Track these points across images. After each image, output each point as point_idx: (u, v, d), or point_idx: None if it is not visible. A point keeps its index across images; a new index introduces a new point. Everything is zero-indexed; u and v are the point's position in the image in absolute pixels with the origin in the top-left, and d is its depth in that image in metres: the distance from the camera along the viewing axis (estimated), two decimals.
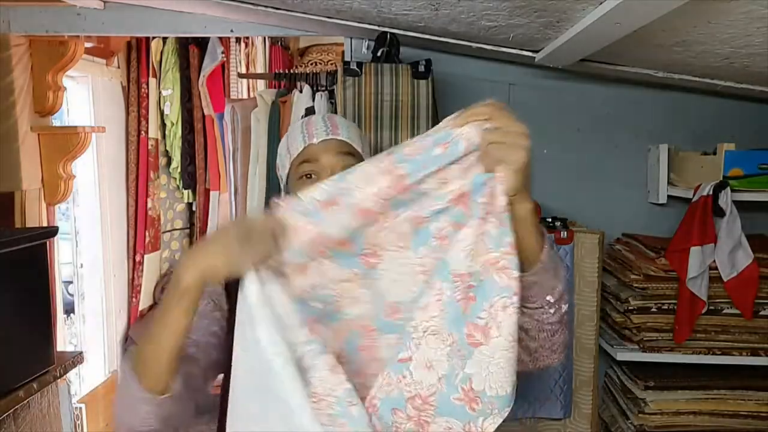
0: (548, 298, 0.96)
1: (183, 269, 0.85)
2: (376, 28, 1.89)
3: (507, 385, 0.86)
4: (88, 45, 2.64)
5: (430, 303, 0.89)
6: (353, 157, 1.15)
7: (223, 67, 3.35)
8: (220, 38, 3.25)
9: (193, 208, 3.46)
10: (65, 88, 2.55)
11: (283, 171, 1.21)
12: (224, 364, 1.00)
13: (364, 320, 0.97)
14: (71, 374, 2.36)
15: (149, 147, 3.26)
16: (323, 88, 2.12)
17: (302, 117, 2.00)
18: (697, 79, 1.95)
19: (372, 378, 0.94)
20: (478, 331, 0.86)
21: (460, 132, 0.86)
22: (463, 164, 0.89)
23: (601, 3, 1.26)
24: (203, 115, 3.29)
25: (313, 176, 1.13)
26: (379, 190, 0.88)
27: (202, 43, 3.29)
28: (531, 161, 0.87)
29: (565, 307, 0.99)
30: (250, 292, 0.84)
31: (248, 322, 0.85)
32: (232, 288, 0.99)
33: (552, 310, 0.96)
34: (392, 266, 0.95)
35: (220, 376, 1.06)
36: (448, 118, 0.88)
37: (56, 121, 2.67)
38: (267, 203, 2.12)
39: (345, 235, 0.91)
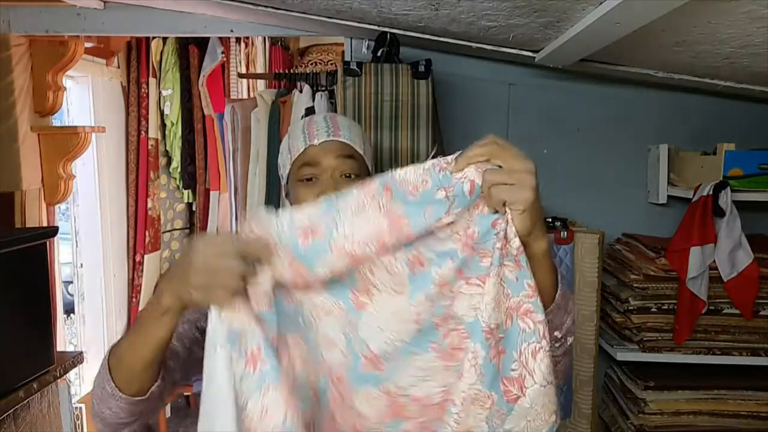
0: (556, 333, 0.92)
1: (164, 290, 0.82)
2: (376, 28, 1.89)
3: (543, 427, 0.84)
4: (88, 45, 2.65)
5: (465, 370, 0.83)
6: (354, 160, 1.14)
7: (223, 67, 3.35)
8: (220, 38, 3.25)
9: (193, 208, 3.46)
10: (65, 88, 2.55)
11: (284, 170, 1.20)
12: None
13: (337, 370, 0.90)
14: (71, 374, 2.37)
15: (149, 147, 3.26)
16: (323, 88, 2.12)
17: (302, 117, 2.00)
18: (697, 79, 1.95)
19: None
20: (513, 385, 0.83)
21: (462, 175, 0.81)
22: (471, 208, 0.83)
23: (601, 3, 1.26)
24: (203, 115, 3.29)
25: (313, 179, 1.12)
26: (373, 236, 0.81)
27: (202, 43, 3.29)
28: (539, 200, 0.82)
29: (570, 339, 0.95)
30: (212, 325, 0.79)
31: (209, 345, 0.80)
32: None
33: (558, 345, 0.93)
34: (381, 312, 0.87)
35: None
36: (447, 159, 0.82)
37: (56, 121, 2.67)
38: (267, 203, 2.12)
39: (325, 275, 0.83)
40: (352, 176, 1.13)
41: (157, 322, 0.84)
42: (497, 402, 0.84)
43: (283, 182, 1.23)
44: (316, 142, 1.13)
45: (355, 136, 1.17)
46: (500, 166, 0.80)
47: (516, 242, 0.81)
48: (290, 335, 0.86)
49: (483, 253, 0.83)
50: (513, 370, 0.83)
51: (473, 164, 0.81)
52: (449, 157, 0.83)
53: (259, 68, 3.57)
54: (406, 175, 0.83)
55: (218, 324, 0.79)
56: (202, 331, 1.03)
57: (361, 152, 1.17)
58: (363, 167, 1.16)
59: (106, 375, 0.90)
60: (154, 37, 3.21)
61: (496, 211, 0.82)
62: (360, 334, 0.88)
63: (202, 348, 1.02)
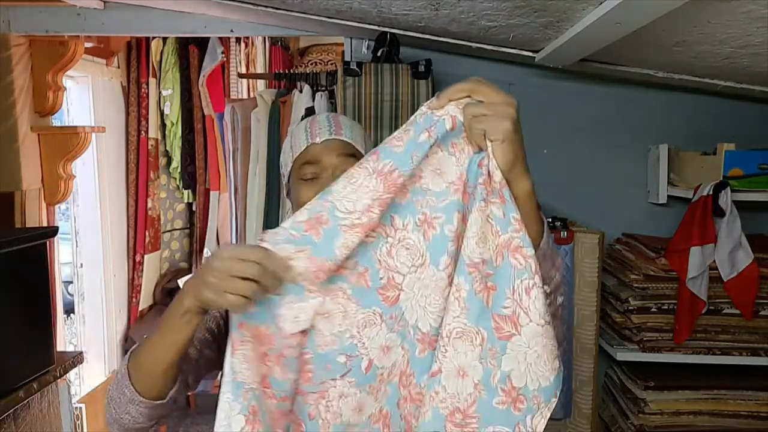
0: (544, 287, 0.91)
1: (185, 292, 0.84)
2: (376, 28, 1.89)
3: (549, 372, 0.80)
4: (88, 45, 2.65)
5: (449, 302, 0.82)
6: (356, 159, 1.13)
7: (223, 67, 3.35)
8: (220, 38, 3.26)
9: (193, 208, 3.47)
10: (65, 88, 2.56)
11: (285, 169, 1.20)
12: (217, 363, 0.99)
13: (401, 367, 0.89)
14: (71, 374, 2.37)
15: (149, 147, 3.27)
16: (323, 88, 2.12)
17: (302, 117, 2.00)
18: (697, 79, 1.95)
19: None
20: (506, 322, 0.80)
21: (442, 112, 0.81)
22: (455, 151, 0.84)
23: (601, 3, 1.26)
24: (203, 115, 3.29)
25: (314, 178, 1.12)
26: (372, 200, 0.81)
27: (202, 43, 3.29)
28: (520, 133, 0.83)
29: (560, 299, 0.93)
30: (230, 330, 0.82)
31: (229, 345, 0.81)
32: None
33: (547, 301, 0.94)
34: (415, 292, 0.87)
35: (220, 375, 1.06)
36: (426, 102, 0.83)
37: (56, 121, 2.67)
38: (267, 203, 2.12)
39: (343, 256, 0.83)
40: None
41: (178, 323, 0.85)
42: (488, 339, 0.81)
43: (285, 181, 1.23)
44: (318, 140, 1.14)
45: (357, 136, 1.18)
46: (479, 102, 0.81)
47: (498, 175, 0.81)
48: (333, 382, 0.88)
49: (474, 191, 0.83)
50: (505, 307, 0.80)
51: (454, 101, 0.82)
52: (431, 99, 0.83)
53: (259, 68, 3.57)
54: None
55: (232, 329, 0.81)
56: (210, 331, 1.03)
57: (363, 152, 1.17)
58: None
59: (125, 380, 0.91)
60: (154, 37, 3.21)
61: (481, 150, 0.82)
62: (409, 322, 0.88)
63: (211, 349, 1.02)
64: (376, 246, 0.87)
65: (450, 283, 0.85)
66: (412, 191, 0.85)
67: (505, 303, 0.80)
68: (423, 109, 0.83)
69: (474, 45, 1.89)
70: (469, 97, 0.82)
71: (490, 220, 0.81)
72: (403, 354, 0.89)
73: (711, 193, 1.85)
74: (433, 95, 1.91)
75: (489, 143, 0.80)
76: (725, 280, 1.89)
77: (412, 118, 0.84)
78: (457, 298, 0.82)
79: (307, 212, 0.83)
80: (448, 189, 0.85)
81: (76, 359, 2.12)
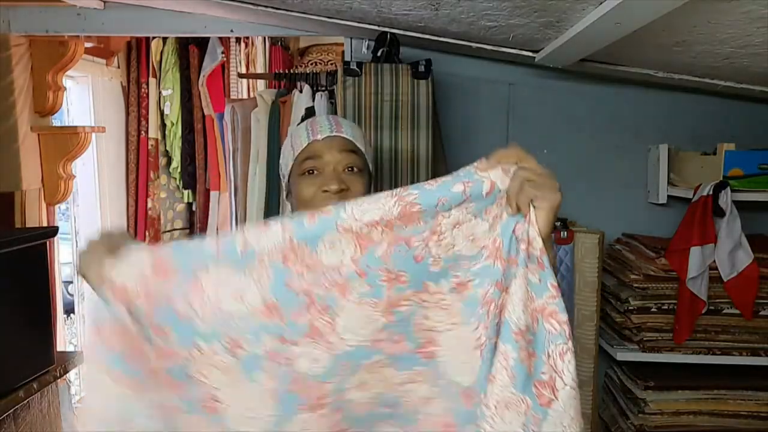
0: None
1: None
2: (376, 28, 1.89)
3: (578, 428, 0.84)
4: (88, 45, 2.64)
5: (497, 370, 0.84)
6: (356, 155, 1.16)
7: (223, 67, 3.35)
8: (220, 38, 3.25)
9: (193, 208, 3.46)
10: (65, 88, 2.55)
11: (285, 169, 1.22)
12: None
13: (445, 416, 0.92)
14: (71, 374, 2.36)
15: (149, 147, 3.26)
16: (323, 88, 2.12)
17: (302, 117, 2.00)
18: (697, 79, 1.95)
19: None
20: (546, 389, 0.82)
21: (486, 174, 0.84)
22: (488, 217, 0.85)
23: (601, 3, 1.26)
24: (203, 115, 3.28)
25: (315, 172, 1.14)
26: (381, 217, 0.82)
27: (202, 43, 3.29)
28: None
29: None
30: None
31: None
32: None
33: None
34: (453, 349, 0.89)
35: None
36: (475, 162, 0.85)
37: (56, 121, 2.67)
38: (267, 203, 2.12)
39: (322, 252, 0.84)
40: (355, 169, 1.15)
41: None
42: (532, 407, 0.82)
43: (284, 181, 1.24)
44: (319, 137, 1.16)
45: (357, 135, 1.20)
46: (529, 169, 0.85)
47: (538, 242, 0.83)
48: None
49: (513, 260, 0.84)
50: (543, 373, 0.82)
51: (501, 164, 0.84)
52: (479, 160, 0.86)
53: (259, 68, 3.56)
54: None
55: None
56: None
57: (362, 149, 1.20)
58: (365, 164, 1.19)
59: None
60: (154, 37, 3.21)
61: (516, 215, 0.85)
62: (451, 379, 0.91)
63: None
64: (413, 313, 0.88)
65: (481, 344, 0.87)
66: (444, 259, 0.86)
67: (543, 369, 0.83)
68: (469, 167, 0.85)
69: (474, 45, 1.89)
70: (515, 163, 0.85)
71: (527, 287, 0.83)
72: (445, 404, 0.92)
73: (711, 193, 1.85)
74: (433, 95, 1.93)
75: (533, 209, 0.84)
76: (725, 280, 1.89)
77: (457, 172, 0.85)
78: (505, 366, 0.83)
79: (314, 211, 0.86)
80: (481, 253, 0.87)
81: (76, 359, 2.12)
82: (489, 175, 0.84)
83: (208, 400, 0.88)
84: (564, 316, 0.82)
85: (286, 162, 1.21)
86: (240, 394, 0.88)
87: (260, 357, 0.86)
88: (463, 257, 0.86)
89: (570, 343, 0.82)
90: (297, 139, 1.19)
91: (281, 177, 1.26)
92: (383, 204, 0.83)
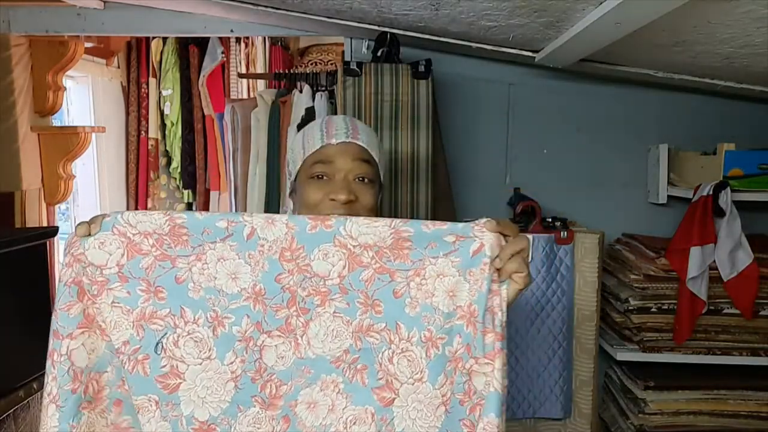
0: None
1: None
2: (376, 28, 1.89)
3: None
4: (88, 45, 2.65)
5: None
6: (369, 165, 1.13)
7: (223, 67, 3.35)
8: (220, 38, 3.25)
9: (193, 208, 3.46)
10: (65, 88, 2.56)
11: (293, 167, 1.18)
12: None
13: None
14: None
15: (149, 147, 3.27)
16: (323, 88, 2.12)
17: (302, 117, 2.00)
18: (697, 79, 1.95)
19: None
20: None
21: (481, 234, 0.89)
22: (470, 279, 0.89)
23: (601, 3, 1.26)
24: (203, 115, 3.29)
25: (324, 177, 1.11)
26: (374, 243, 0.89)
27: (202, 43, 3.29)
28: None
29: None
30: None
31: None
32: None
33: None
34: (408, 404, 0.93)
35: None
36: (482, 219, 0.90)
37: (56, 121, 2.67)
38: (267, 203, 2.12)
39: (330, 274, 0.91)
40: (366, 180, 1.12)
41: None
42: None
43: (291, 179, 1.21)
44: (334, 141, 1.12)
45: (373, 143, 1.16)
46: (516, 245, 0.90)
47: (504, 315, 0.89)
48: None
49: (485, 331, 0.89)
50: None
51: (499, 232, 0.89)
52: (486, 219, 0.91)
53: (259, 68, 3.56)
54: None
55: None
56: None
57: (376, 158, 1.16)
58: (376, 174, 1.16)
59: None
60: (154, 37, 3.21)
61: (495, 283, 0.89)
62: (397, 430, 0.93)
63: None
64: (380, 349, 0.93)
65: (443, 402, 0.92)
66: (422, 306, 0.91)
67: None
68: (470, 223, 0.90)
69: (474, 45, 1.89)
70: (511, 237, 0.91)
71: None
72: None
73: (711, 193, 1.85)
74: (433, 95, 1.93)
75: (507, 282, 0.89)
76: (725, 280, 1.89)
77: (456, 223, 0.91)
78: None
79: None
80: (455, 313, 0.91)
81: None
82: (484, 236, 0.89)
83: (170, 375, 0.91)
84: (506, 382, 0.89)
85: (294, 160, 1.17)
86: (204, 373, 0.92)
87: (235, 338, 0.92)
88: (438, 311, 0.91)
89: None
90: (310, 139, 1.14)
91: (287, 174, 1.22)
92: (380, 231, 0.90)
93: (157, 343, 0.91)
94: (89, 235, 0.89)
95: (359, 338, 0.92)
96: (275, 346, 0.92)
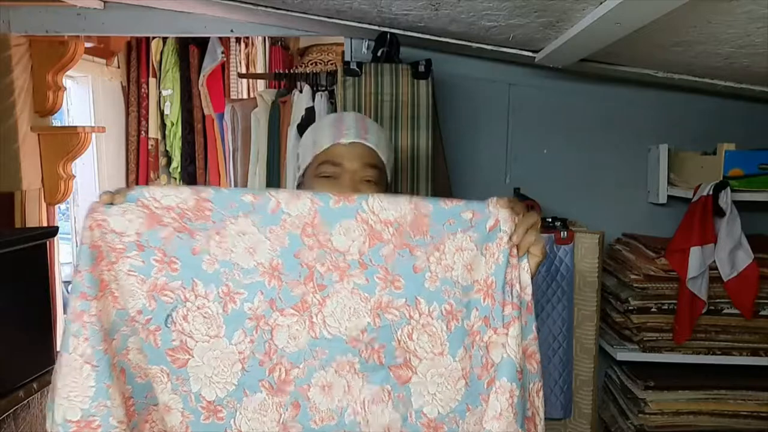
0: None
1: None
2: (376, 28, 1.89)
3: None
4: (88, 45, 2.64)
5: (503, 409, 0.87)
6: (377, 170, 1.14)
7: (223, 67, 3.35)
8: (220, 38, 3.25)
9: None
10: (65, 88, 2.55)
11: (303, 161, 1.19)
12: None
13: None
14: None
15: (149, 147, 3.27)
16: (323, 88, 2.12)
17: (302, 117, 2.00)
18: (697, 79, 1.95)
19: None
20: (531, 425, 0.89)
21: (496, 211, 0.90)
22: (486, 254, 0.91)
23: (601, 3, 1.26)
24: (203, 115, 3.29)
25: (332, 177, 1.12)
26: (395, 219, 0.90)
27: (202, 43, 3.29)
28: None
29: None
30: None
31: None
32: None
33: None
34: (428, 379, 0.93)
35: None
36: (489, 199, 0.93)
37: (56, 121, 2.67)
38: None
39: (350, 249, 0.90)
40: (372, 182, 1.13)
41: None
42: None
43: (298, 174, 1.22)
44: (344, 141, 1.13)
45: (383, 145, 1.17)
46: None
47: (529, 289, 0.90)
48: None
49: (504, 303, 0.90)
50: (528, 409, 0.89)
51: (511, 209, 0.91)
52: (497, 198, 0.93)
53: (259, 68, 3.57)
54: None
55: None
56: None
57: (384, 160, 1.16)
58: (383, 177, 1.16)
59: None
60: (154, 37, 3.21)
61: (513, 258, 0.91)
62: (413, 406, 0.93)
63: None
64: (399, 325, 0.92)
65: (463, 375, 0.92)
66: (441, 280, 0.91)
67: (527, 406, 0.89)
68: (484, 201, 0.92)
69: (474, 45, 1.89)
70: (521, 214, 0.93)
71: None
72: None
73: (711, 193, 1.85)
74: (433, 95, 1.93)
75: (527, 257, 0.91)
76: (725, 280, 1.89)
77: (470, 200, 0.93)
78: (511, 404, 0.88)
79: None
80: (472, 287, 0.92)
81: None
82: (498, 212, 0.90)
83: (179, 349, 0.90)
84: (539, 356, 0.90)
85: (304, 155, 1.18)
86: (211, 351, 0.91)
87: (245, 316, 0.90)
88: (458, 284, 0.91)
89: (542, 381, 0.90)
90: (320, 137, 1.15)
91: (296, 168, 1.23)
92: (401, 207, 0.90)
93: (167, 316, 0.90)
94: (112, 204, 0.89)
95: (378, 315, 0.90)
96: (288, 325, 0.90)
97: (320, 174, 1.12)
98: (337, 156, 1.12)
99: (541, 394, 0.89)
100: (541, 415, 0.90)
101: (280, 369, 0.91)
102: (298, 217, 0.89)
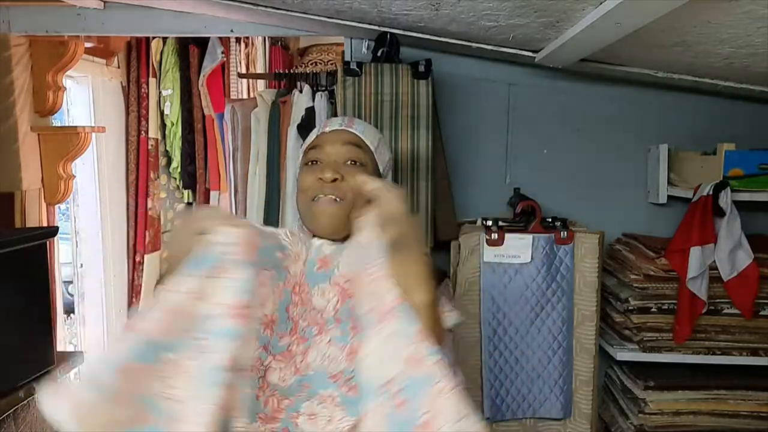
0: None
1: None
2: (376, 28, 1.89)
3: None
4: (88, 45, 2.64)
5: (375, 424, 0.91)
6: (360, 149, 1.14)
7: (223, 67, 3.35)
8: (220, 38, 3.25)
9: (194, 208, 3.45)
10: (65, 88, 2.55)
11: (300, 161, 1.24)
12: None
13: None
14: (71, 374, 2.36)
15: (149, 147, 3.26)
16: (323, 88, 2.12)
17: (302, 117, 2.00)
18: (697, 79, 1.95)
19: None
20: (426, 429, 0.84)
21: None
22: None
23: (601, 3, 1.26)
24: (203, 115, 3.28)
25: (318, 162, 1.13)
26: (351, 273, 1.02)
27: (202, 43, 3.29)
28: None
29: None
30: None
31: None
32: None
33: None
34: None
35: None
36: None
37: (56, 121, 2.67)
38: (267, 203, 2.12)
39: (326, 308, 1.04)
40: (357, 163, 1.13)
41: None
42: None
43: (298, 172, 1.26)
44: (327, 129, 1.18)
45: (369, 134, 1.19)
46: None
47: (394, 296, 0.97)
48: None
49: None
50: (425, 414, 0.83)
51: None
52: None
53: (259, 68, 3.57)
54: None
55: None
56: None
57: (372, 149, 1.17)
58: (371, 160, 1.16)
59: None
60: (154, 37, 3.21)
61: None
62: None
63: None
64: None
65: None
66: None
67: (421, 412, 0.85)
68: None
69: (474, 45, 1.89)
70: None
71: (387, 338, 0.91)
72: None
73: (711, 193, 1.85)
74: (433, 95, 1.93)
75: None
76: (725, 280, 1.89)
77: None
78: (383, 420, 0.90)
79: (329, 251, 1.10)
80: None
81: (76, 359, 2.12)
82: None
83: None
84: (432, 359, 0.85)
85: (299, 156, 1.25)
86: None
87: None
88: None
89: (445, 380, 0.84)
90: (311, 134, 1.22)
91: (297, 170, 1.30)
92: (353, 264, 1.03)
93: None
94: None
95: (352, 360, 0.99)
96: (279, 368, 1.01)
97: (307, 161, 1.16)
98: (319, 141, 1.16)
99: (447, 393, 0.83)
100: (452, 416, 0.82)
101: (273, 400, 1.01)
102: (293, 276, 1.04)
